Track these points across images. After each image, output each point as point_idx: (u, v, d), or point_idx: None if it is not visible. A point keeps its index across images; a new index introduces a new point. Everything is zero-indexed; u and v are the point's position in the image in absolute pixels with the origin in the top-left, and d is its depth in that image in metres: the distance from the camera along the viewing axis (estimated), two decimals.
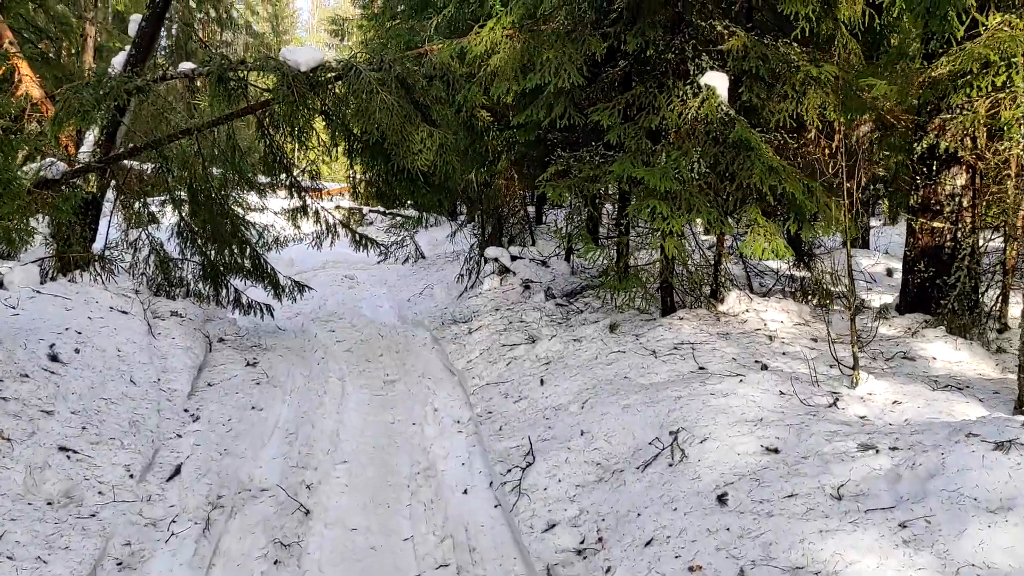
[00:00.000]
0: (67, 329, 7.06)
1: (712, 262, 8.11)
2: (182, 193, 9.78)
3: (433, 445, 6.17)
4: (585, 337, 7.09)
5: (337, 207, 22.12)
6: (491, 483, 5.36)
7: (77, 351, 6.60)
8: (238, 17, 30.02)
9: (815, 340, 6.48)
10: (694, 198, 6.55)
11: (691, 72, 7.16)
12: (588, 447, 5.04)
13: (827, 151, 7.30)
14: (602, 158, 7.29)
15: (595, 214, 8.69)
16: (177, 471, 5.31)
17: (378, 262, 14.29)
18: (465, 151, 9.76)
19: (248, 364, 8.27)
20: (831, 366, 5.76)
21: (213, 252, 9.34)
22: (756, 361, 5.88)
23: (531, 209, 15.72)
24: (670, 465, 4.40)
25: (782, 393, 5.00)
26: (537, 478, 4.86)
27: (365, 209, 23.64)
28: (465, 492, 5.31)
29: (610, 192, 8.12)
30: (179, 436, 6.09)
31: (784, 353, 6.13)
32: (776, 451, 4.24)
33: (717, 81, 6.96)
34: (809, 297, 8.24)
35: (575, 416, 5.56)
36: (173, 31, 25.41)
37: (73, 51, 16.67)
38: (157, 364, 7.37)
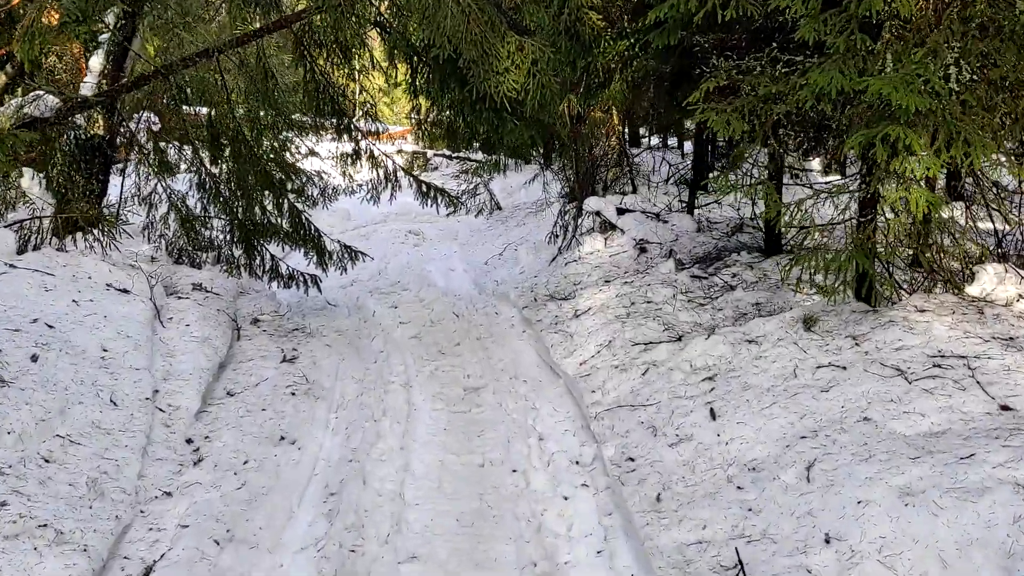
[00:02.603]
0: (34, 321, 5.10)
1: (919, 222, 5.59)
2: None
3: (547, 512, 4.00)
4: (764, 337, 4.74)
5: (399, 151, 19.87)
6: None
7: (35, 358, 4.61)
8: None
9: None
10: (958, 123, 4.10)
11: None
12: None
13: None
14: (786, 66, 4.85)
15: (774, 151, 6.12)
16: None
17: (447, 214, 12.09)
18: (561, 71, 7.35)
19: (285, 359, 6.23)
20: None
21: (241, 210, 7.25)
22: None
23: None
24: None
25: None
26: None
27: (429, 153, 21.34)
28: None
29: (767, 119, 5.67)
30: (167, 495, 4.06)
31: None
32: None
33: None
34: None
35: (797, 494, 3.29)
36: None
37: None
38: (159, 368, 5.36)
